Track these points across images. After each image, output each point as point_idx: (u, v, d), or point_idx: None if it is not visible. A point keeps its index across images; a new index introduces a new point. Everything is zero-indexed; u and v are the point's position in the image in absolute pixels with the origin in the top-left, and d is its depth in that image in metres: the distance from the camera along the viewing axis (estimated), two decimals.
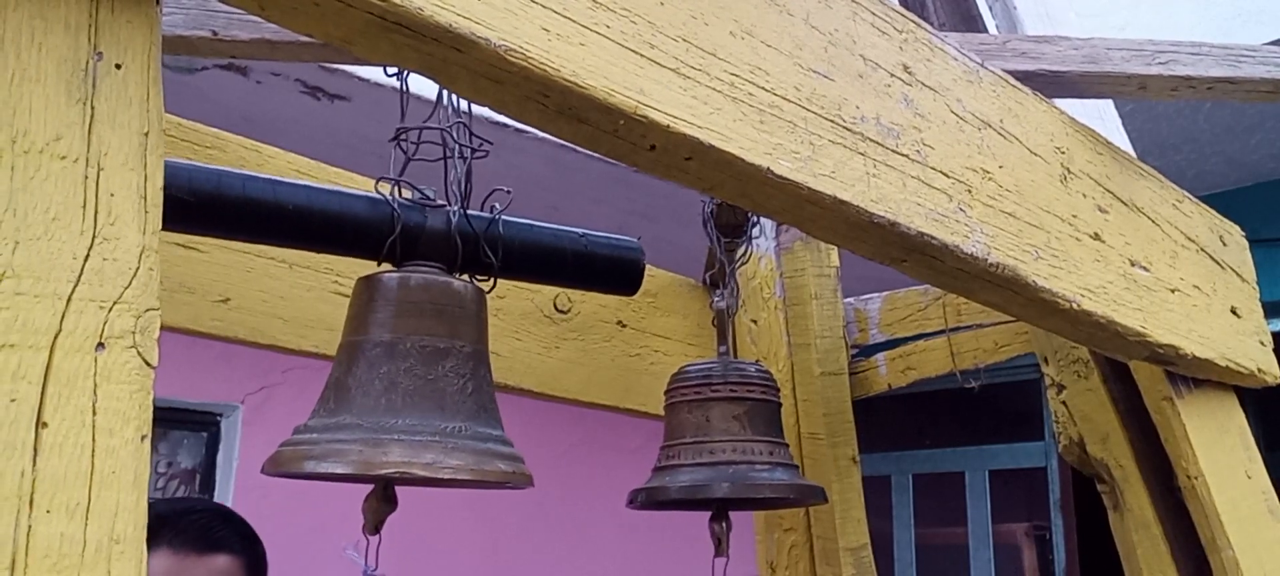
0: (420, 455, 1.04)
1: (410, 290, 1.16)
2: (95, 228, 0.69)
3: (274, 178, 1.18)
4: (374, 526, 1.12)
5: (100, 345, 0.68)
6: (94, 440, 0.66)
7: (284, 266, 1.50)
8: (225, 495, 4.32)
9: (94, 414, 0.67)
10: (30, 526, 0.63)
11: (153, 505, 1.52)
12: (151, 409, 0.69)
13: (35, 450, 0.64)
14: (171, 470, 4.37)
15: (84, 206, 0.69)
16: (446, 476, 1.06)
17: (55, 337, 0.66)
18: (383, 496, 1.11)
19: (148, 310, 0.70)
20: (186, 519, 1.45)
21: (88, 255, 0.68)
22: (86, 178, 0.69)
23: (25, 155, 0.67)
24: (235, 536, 1.47)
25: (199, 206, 1.09)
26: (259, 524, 1.59)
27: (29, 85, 0.68)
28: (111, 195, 0.70)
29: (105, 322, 0.68)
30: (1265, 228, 3.62)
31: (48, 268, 0.67)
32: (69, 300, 0.67)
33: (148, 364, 0.69)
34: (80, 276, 0.68)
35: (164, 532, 1.41)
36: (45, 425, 0.65)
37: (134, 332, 0.69)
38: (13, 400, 0.64)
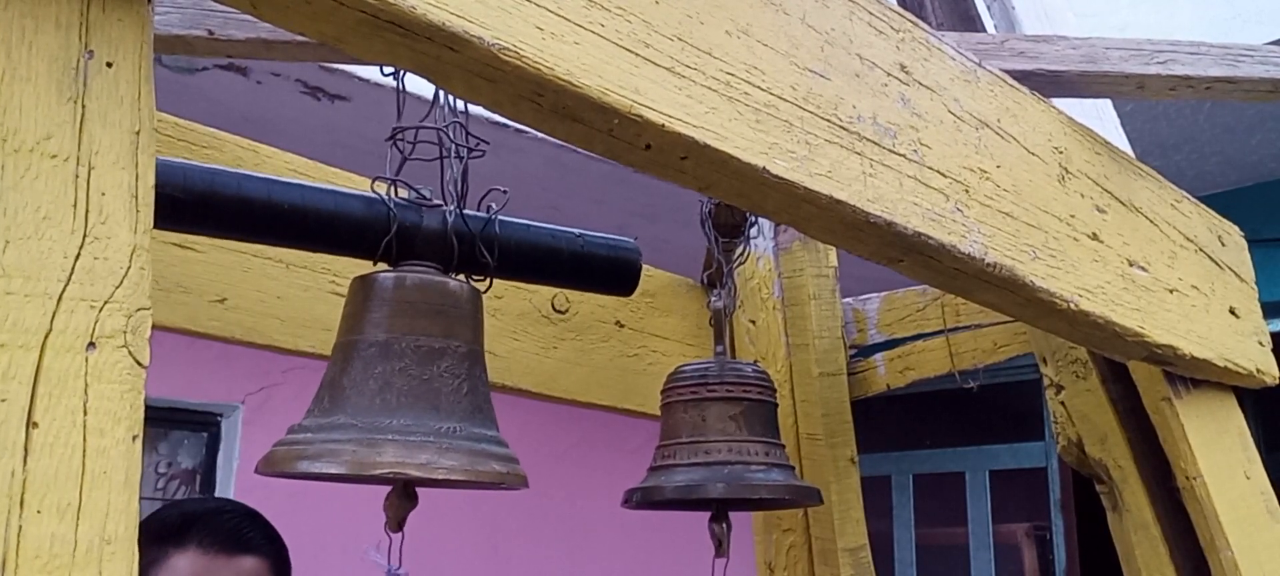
0: (415, 455, 1.04)
1: (406, 290, 1.16)
2: (86, 227, 0.69)
3: (269, 176, 1.17)
4: (396, 523, 1.11)
5: (91, 345, 0.67)
6: (85, 440, 0.66)
7: (281, 266, 1.50)
8: (225, 495, 4.32)
9: (85, 414, 0.66)
10: (21, 527, 0.62)
11: (182, 504, 1.52)
12: (143, 409, 0.69)
13: (26, 450, 0.64)
14: (171, 470, 4.37)
15: (75, 205, 0.68)
16: (441, 477, 1.06)
17: (46, 337, 0.66)
18: (403, 493, 1.10)
19: (139, 310, 0.70)
20: (217, 519, 1.45)
21: (78, 254, 0.68)
22: (77, 176, 0.69)
23: (15, 154, 0.67)
24: (262, 538, 1.47)
25: (193, 205, 1.09)
26: None
27: (19, 83, 0.68)
28: (102, 194, 0.69)
29: (96, 322, 0.68)
30: (1265, 228, 3.61)
31: (38, 267, 0.66)
32: (60, 299, 0.67)
33: (139, 364, 0.69)
34: (71, 275, 0.67)
35: (193, 532, 1.41)
36: (36, 425, 0.64)
37: (125, 332, 0.69)
38: (3, 400, 0.64)
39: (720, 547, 1.50)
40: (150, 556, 1.38)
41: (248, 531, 1.45)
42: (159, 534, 1.40)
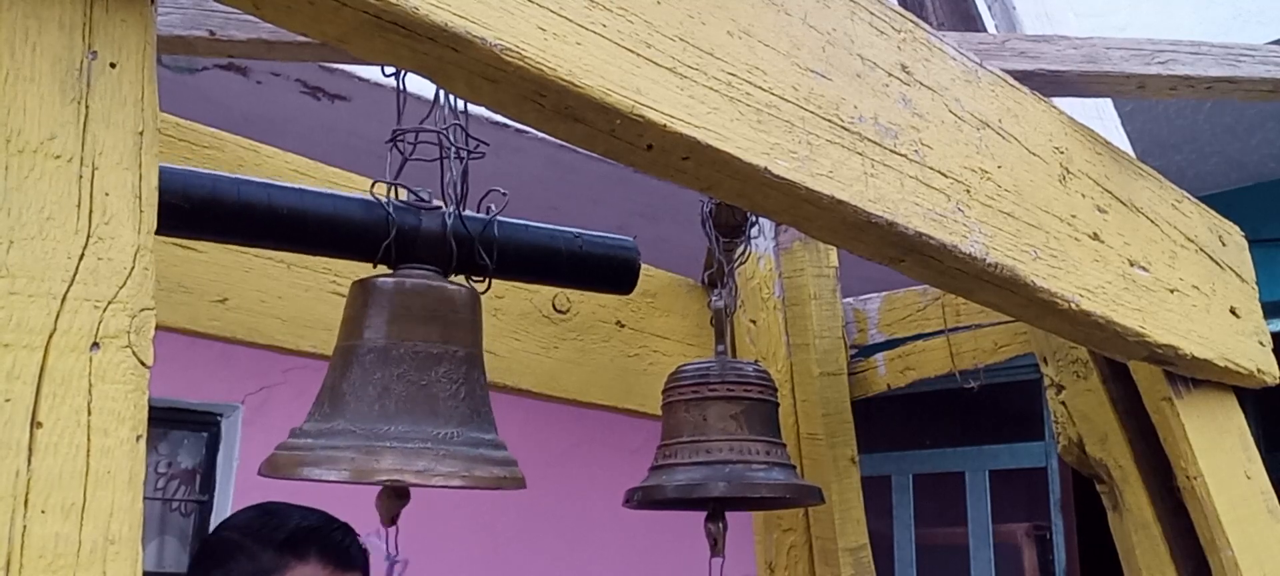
0: (412, 462, 1.05)
1: (404, 295, 1.16)
2: (90, 227, 0.69)
3: (268, 181, 1.18)
4: (389, 520, 1.13)
5: (95, 345, 0.68)
6: (89, 440, 0.66)
7: (282, 266, 1.50)
8: (225, 495, 4.32)
9: (89, 414, 0.67)
10: (25, 526, 0.63)
11: (289, 514, 1.54)
12: (147, 409, 0.69)
13: (30, 450, 0.64)
14: (172, 470, 4.37)
15: (78, 206, 0.68)
16: (438, 483, 1.06)
17: (50, 337, 0.66)
18: (393, 492, 1.12)
19: (143, 309, 0.70)
20: (331, 535, 1.50)
21: (82, 254, 0.68)
22: (81, 177, 0.69)
23: (19, 154, 0.67)
24: (362, 556, 1.54)
25: (194, 211, 1.09)
26: None
27: (23, 84, 0.68)
28: (106, 194, 0.70)
29: (100, 322, 0.68)
30: (1265, 228, 3.61)
31: (42, 267, 0.67)
32: (64, 299, 0.67)
33: (143, 363, 0.69)
34: (75, 276, 0.68)
35: (314, 541, 1.47)
36: (40, 425, 0.65)
37: (129, 332, 0.69)
38: (7, 400, 0.64)
39: (716, 547, 1.51)
40: (267, 563, 1.43)
41: (355, 551, 1.52)
42: (280, 543, 1.45)
